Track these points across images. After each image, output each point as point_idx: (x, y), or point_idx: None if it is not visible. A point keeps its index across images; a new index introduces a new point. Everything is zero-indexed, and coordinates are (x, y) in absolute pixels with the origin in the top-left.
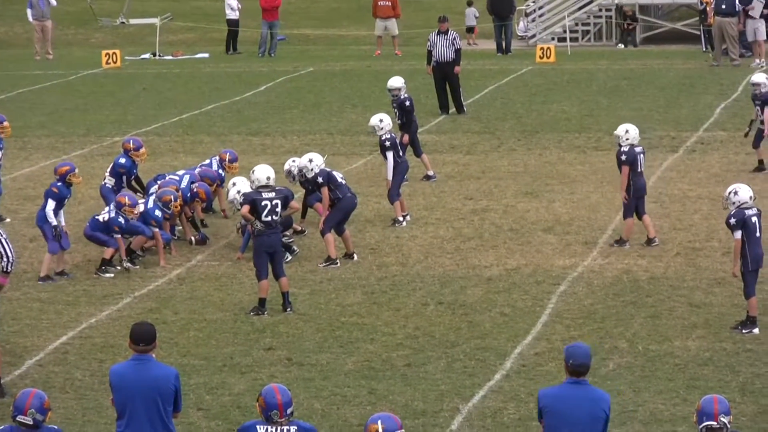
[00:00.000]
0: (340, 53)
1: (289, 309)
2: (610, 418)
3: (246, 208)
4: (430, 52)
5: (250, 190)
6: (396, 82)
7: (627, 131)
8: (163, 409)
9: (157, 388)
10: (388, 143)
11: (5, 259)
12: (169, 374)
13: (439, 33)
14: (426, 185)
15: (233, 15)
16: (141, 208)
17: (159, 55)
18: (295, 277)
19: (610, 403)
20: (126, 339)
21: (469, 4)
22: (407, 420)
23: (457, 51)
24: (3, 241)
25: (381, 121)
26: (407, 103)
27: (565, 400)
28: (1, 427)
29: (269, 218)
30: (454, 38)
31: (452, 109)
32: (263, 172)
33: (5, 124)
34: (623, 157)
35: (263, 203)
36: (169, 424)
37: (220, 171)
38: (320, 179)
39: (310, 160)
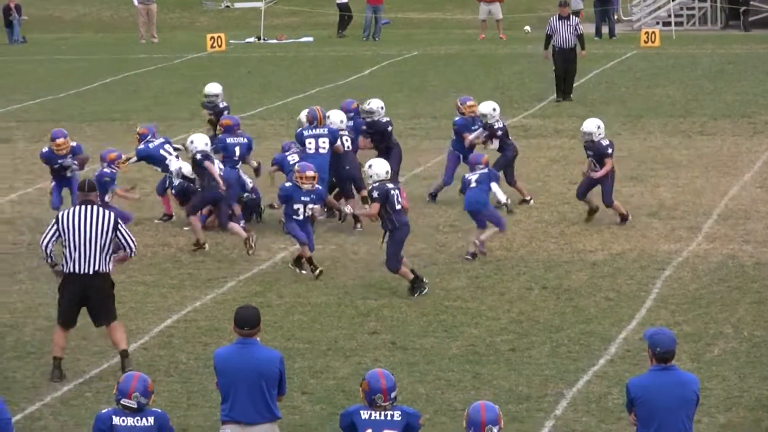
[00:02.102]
0: (444, 37)
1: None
2: (716, 404)
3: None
4: (549, 37)
5: (377, 183)
6: (214, 88)
7: (598, 126)
8: (267, 392)
9: (261, 371)
10: (500, 132)
11: (128, 249)
12: (273, 357)
13: (560, 18)
14: (531, 170)
15: None
16: None
17: (263, 39)
18: None
19: (699, 385)
20: (230, 323)
21: None
22: (511, 405)
23: (579, 36)
24: (124, 232)
25: (494, 109)
26: (225, 112)
27: (656, 389)
28: (105, 410)
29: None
30: (577, 23)
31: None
32: (382, 167)
33: (59, 141)
34: (610, 150)
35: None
36: (273, 407)
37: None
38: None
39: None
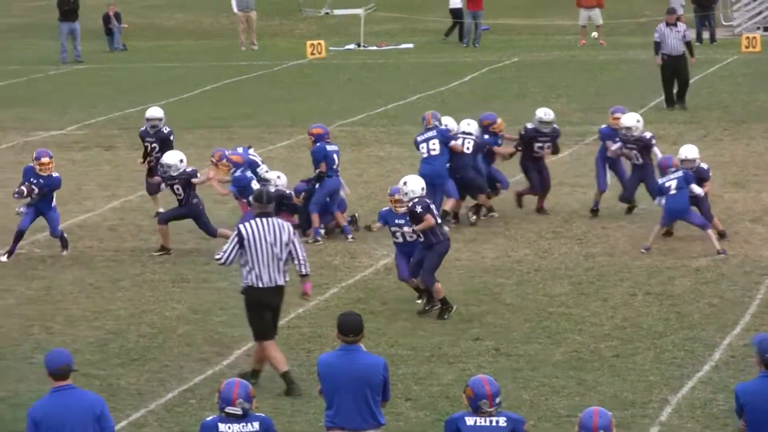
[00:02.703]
0: (544, 43)
1: None
2: None
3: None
4: (657, 44)
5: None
6: (156, 112)
7: (638, 120)
8: (371, 398)
9: (365, 377)
10: (653, 141)
11: (296, 262)
12: (377, 364)
13: (667, 25)
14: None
15: (456, 4)
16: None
17: (363, 46)
18: (502, 268)
19: None
20: (333, 329)
21: None
22: (616, 411)
23: (688, 44)
24: (298, 245)
25: (638, 121)
26: (171, 136)
27: (766, 395)
28: (210, 417)
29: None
30: (684, 30)
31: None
32: (418, 184)
33: (43, 160)
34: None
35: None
36: (377, 413)
37: None
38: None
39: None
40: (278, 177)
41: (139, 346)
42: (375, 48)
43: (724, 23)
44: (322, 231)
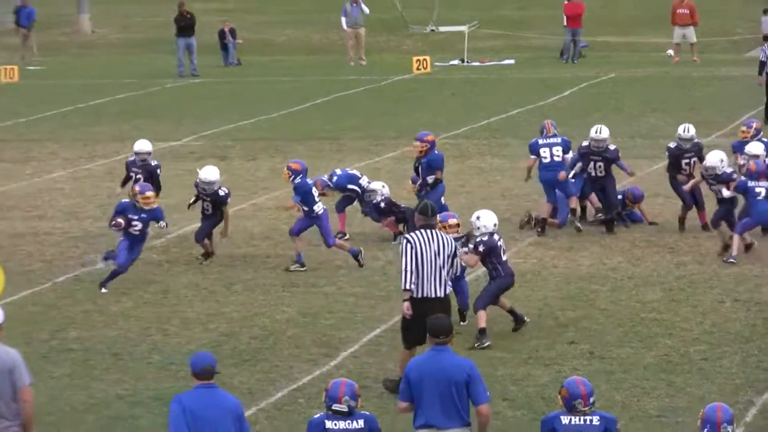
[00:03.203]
0: (640, 60)
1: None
2: None
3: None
4: (763, 63)
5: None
6: (145, 145)
7: (722, 160)
8: (457, 398)
9: (451, 378)
10: (734, 176)
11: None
12: (463, 364)
13: None
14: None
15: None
16: None
17: (467, 61)
18: (597, 275)
19: None
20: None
21: (765, 12)
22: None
23: None
24: (458, 258)
25: (722, 161)
26: (158, 170)
27: None
28: (317, 414)
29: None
30: None
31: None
32: (491, 220)
33: (147, 194)
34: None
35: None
36: (463, 413)
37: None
38: (481, 248)
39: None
40: (383, 186)
41: (251, 347)
42: (478, 63)
43: None
44: None
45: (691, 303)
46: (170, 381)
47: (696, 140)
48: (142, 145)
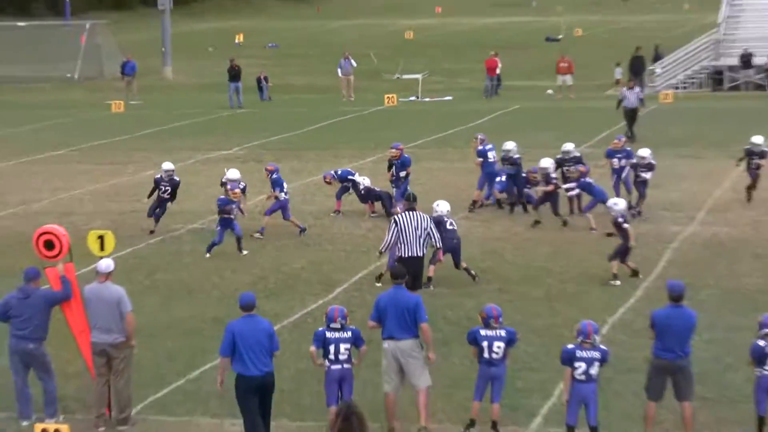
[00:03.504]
0: (535, 96)
1: None
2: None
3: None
4: (620, 101)
5: None
6: (169, 165)
7: None
8: (408, 319)
9: (405, 305)
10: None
11: (434, 240)
12: (413, 297)
13: (629, 89)
14: None
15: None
16: None
17: (420, 98)
18: (505, 238)
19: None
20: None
21: (618, 65)
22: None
23: (641, 100)
24: (434, 231)
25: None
26: (179, 184)
27: (671, 317)
28: (320, 329)
29: None
30: (638, 92)
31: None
32: (445, 206)
33: (236, 191)
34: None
35: None
36: (413, 329)
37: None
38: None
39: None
40: (364, 179)
41: (277, 286)
42: (428, 99)
43: (649, 84)
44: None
45: (568, 256)
46: (225, 309)
47: (576, 153)
48: (168, 165)
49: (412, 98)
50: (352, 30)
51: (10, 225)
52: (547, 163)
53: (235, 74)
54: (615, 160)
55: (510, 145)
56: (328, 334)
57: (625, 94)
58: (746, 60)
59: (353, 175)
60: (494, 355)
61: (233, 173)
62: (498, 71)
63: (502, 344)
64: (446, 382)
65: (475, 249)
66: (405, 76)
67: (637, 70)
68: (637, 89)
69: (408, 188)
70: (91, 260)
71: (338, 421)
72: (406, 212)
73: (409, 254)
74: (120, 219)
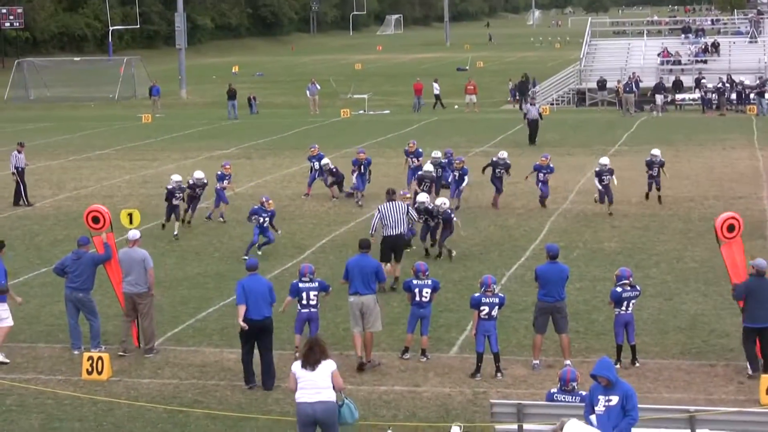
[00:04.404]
0: (448, 111)
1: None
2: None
3: None
4: (525, 114)
5: None
6: (200, 174)
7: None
8: (370, 278)
9: (369, 267)
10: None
11: (411, 221)
12: (374, 263)
13: (531, 104)
14: None
15: (437, 90)
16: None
17: (367, 112)
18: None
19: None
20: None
21: (435, 81)
22: None
23: (540, 114)
24: (413, 214)
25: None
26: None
27: (550, 271)
28: (295, 281)
29: None
30: (538, 108)
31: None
32: (424, 197)
33: (270, 201)
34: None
35: None
36: (373, 286)
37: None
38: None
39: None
40: (328, 162)
41: (265, 252)
42: (372, 112)
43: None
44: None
45: (476, 226)
46: (225, 266)
47: (507, 161)
48: (199, 174)
49: (361, 112)
50: (317, 63)
51: (69, 204)
52: (431, 167)
53: (232, 95)
54: (541, 174)
55: (438, 153)
56: (301, 285)
57: (528, 109)
58: (601, 84)
59: (322, 158)
60: (423, 299)
61: (198, 173)
62: (438, 91)
63: (429, 290)
64: (388, 321)
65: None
66: (355, 96)
67: (523, 90)
68: (537, 105)
69: (369, 178)
70: (125, 232)
71: (304, 349)
72: (388, 202)
73: (391, 233)
74: (147, 200)
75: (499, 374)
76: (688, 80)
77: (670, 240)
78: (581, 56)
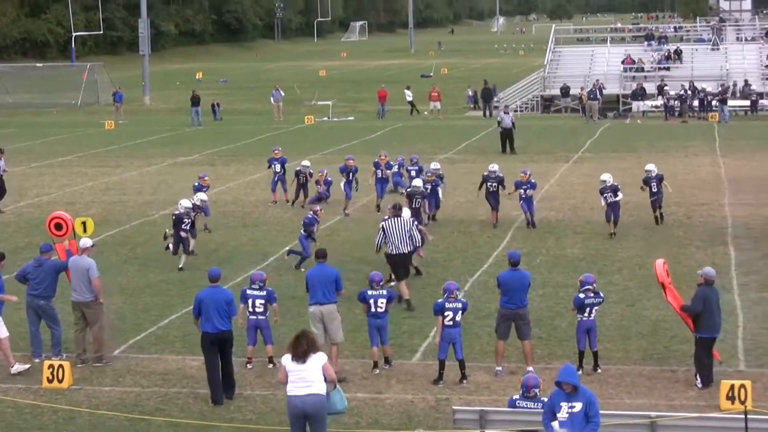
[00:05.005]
0: (415, 117)
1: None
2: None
3: None
4: (499, 122)
5: None
6: (202, 196)
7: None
8: (330, 288)
9: (328, 277)
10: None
11: (415, 240)
12: (333, 271)
13: (505, 113)
14: None
15: (410, 97)
16: None
17: (331, 118)
18: None
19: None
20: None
21: (408, 88)
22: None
23: (513, 122)
24: (416, 231)
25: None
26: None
27: (512, 278)
28: (245, 287)
29: None
30: (512, 115)
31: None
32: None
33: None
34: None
35: None
36: (332, 296)
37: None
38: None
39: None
40: (306, 163)
41: (224, 257)
42: (336, 119)
43: (495, 108)
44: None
45: (439, 234)
46: (188, 274)
47: (499, 174)
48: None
49: (325, 118)
50: (281, 69)
51: (30, 211)
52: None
53: (196, 101)
54: (522, 191)
55: (437, 164)
56: (249, 291)
57: (502, 117)
58: (565, 91)
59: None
60: (378, 309)
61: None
62: (411, 98)
63: (383, 301)
64: (350, 328)
65: (371, 229)
66: (320, 103)
67: (486, 97)
68: (510, 113)
69: (357, 186)
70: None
71: (292, 342)
72: (393, 218)
73: (395, 251)
74: (110, 207)
75: (464, 381)
76: (650, 87)
77: (632, 246)
78: (545, 63)
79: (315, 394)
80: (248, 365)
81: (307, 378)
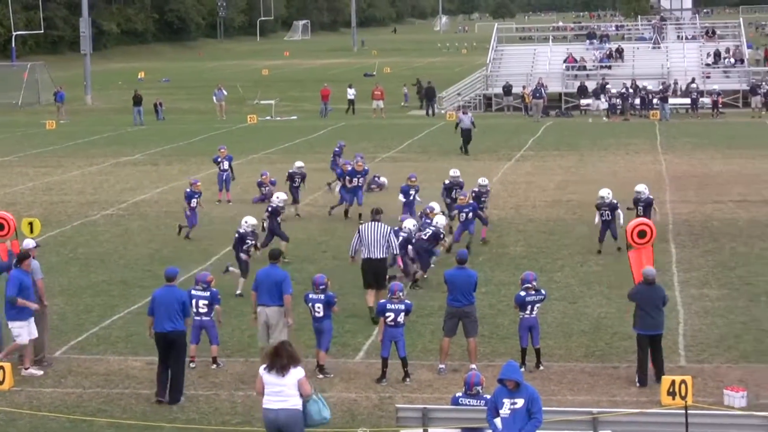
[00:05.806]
0: (358, 116)
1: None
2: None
3: None
4: (457, 123)
5: None
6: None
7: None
8: (277, 290)
9: (275, 279)
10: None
11: (392, 247)
12: (281, 273)
13: (464, 113)
14: None
15: (351, 96)
16: None
17: (274, 117)
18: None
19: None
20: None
21: (350, 86)
22: None
23: (473, 123)
24: (393, 239)
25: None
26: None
27: (458, 276)
28: (189, 288)
29: None
30: (470, 117)
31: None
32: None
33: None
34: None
35: None
36: (278, 299)
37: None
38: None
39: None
40: (299, 164)
41: (186, 251)
42: (279, 118)
43: (438, 107)
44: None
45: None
46: (130, 274)
47: (459, 179)
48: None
49: (268, 118)
50: (224, 68)
51: None
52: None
53: (138, 100)
54: (463, 215)
55: (456, 171)
56: (193, 292)
57: (461, 118)
58: (507, 90)
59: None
60: (317, 314)
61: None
62: (353, 96)
63: (321, 305)
64: (295, 327)
65: (316, 227)
66: (262, 102)
67: (429, 96)
68: (470, 114)
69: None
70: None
71: (270, 354)
72: (370, 222)
73: (370, 256)
74: (51, 207)
75: (407, 379)
76: (592, 85)
77: (574, 244)
78: (488, 62)
79: (289, 408)
80: (191, 364)
81: (283, 392)
